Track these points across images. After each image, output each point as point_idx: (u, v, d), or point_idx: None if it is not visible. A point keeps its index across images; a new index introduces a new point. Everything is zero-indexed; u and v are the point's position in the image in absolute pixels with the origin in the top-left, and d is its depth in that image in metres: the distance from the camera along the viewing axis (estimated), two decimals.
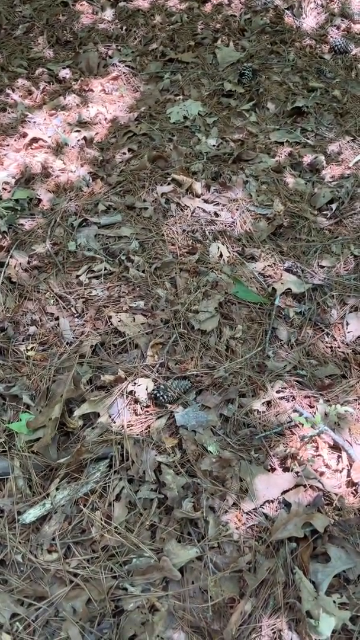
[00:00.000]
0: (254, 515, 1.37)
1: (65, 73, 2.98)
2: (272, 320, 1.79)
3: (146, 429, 1.51)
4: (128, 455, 1.44)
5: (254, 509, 1.38)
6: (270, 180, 2.38)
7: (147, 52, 3.16)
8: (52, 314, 1.80)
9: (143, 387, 1.57)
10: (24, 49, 3.17)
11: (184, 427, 1.50)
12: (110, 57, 3.11)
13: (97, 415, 1.53)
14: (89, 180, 2.34)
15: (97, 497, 1.42)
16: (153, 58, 3.13)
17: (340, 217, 2.21)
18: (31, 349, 1.68)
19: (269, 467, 1.44)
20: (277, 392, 1.61)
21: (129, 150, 2.46)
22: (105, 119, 2.72)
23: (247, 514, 1.37)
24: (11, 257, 1.94)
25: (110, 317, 1.75)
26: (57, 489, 1.41)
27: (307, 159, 2.52)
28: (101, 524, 1.36)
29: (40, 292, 1.87)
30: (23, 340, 1.72)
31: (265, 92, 2.88)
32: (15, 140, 2.54)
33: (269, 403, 1.59)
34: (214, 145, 2.55)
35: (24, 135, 2.58)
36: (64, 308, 1.82)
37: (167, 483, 1.43)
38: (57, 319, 1.77)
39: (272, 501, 1.39)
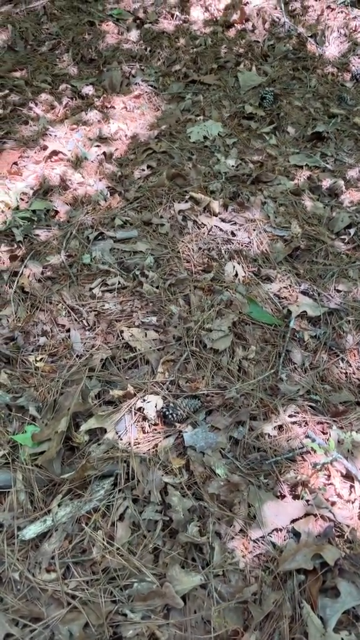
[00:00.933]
0: (262, 543, 1.32)
1: (88, 90, 3.00)
2: (286, 343, 1.75)
3: (153, 447, 1.47)
4: (134, 474, 1.40)
5: (261, 537, 1.33)
6: (288, 203, 2.37)
7: (170, 72, 3.19)
8: (63, 326, 1.77)
9: (152, 404, 1.54)
10: (49, 65, 3.21)
11: (192, 447, 1.46)
12: (134, 76, 3.14)
13: (104, 431, 1.49)
14: (107, 194, 2.34)
15: (100, 515, 1.37)
16: (175, 79, 3.15)
17: (359, 242, 2.18)
18: (40, 359, 1.65)
19: (279, 494, 1.40)
20: (290, 416, 1.57)
21: (148, 167, 2.47)
22: (126, 135, 2.75)
23: (254, 541, 1.32)
24: (25, 266, 1.93)
25: (121, 332, 1.73)
26: (59, 505, 1.37)
27: (326, 183, 2.51)
28: (103, 545, 1.31)
29: (52, 303, 1.84)
30: (32, 351, 1.69)
31: (286, 116, 2.89)
32: (35, 152, 2.54)
33: (280, 427, 1.54)
34: (233, 166, 2.56)
35: (44, 147, 2.58)
36: (76, 320, 1.79)
37: (172, 505, 1.38)
38: (68, 330, 1.75)
39: (281, 530, 1.34)
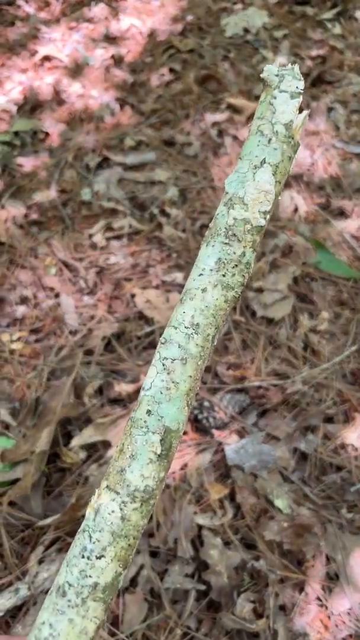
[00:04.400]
0: (350, 619, 1.00)
1: None
2: None
3: (181, 469, 1.16)
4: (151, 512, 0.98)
5: (349, 610, 1.02)
6: None
7: None
8: (51, 289, 1.49)
9: None
10: None
11: (238, 467, 1.17)
12: None
13: (107, 445, 1.18)
14: (115, 108, 2.03)
15: None
16: None
17: None
18: (18, 339, 1.36)
19: None
20: None
21: (170, 70, 2.18)
22: (141, 33, 2.40)
23: (338, 616, 1.00)
24: (2, 207, 1.66)
25: (133, 296, 1.45)
26: (40, 562, 1.03)
27: None
28: (105, 629, 0.95)
29: (38, 257, 1.56)
30: (8, 326, 1.41)
31: None
32: (22, 59, 2.18)
33: None
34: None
35: (34, 52, 2.21)
36: (70, 281, 1.49)
37: (211, 563, 1.03)
38: (57, 296, 1.46)
39: None
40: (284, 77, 0.40)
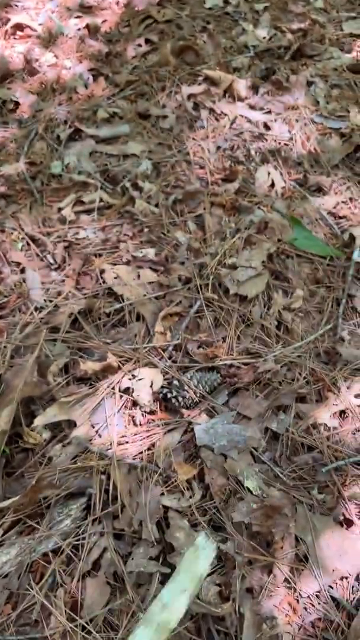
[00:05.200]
0: (319, 602, 0.99)
1: None
2: (348, 284, 1.45)
3: (149, 449, 1.15)
4: (117, 492, 1.05)
5: (317, 592, 1.00)
6: (344, 83, 2.01)
7: None
8: (17, 264, 1.45)
9: (146, 382, 1.22)
10: None
11: (208, 447, 1.16)
12: None
13: (72, 424, 1.15)
14: (89, 79, 1.99)
15: (63, 562, 0.98)
16: None
17: None
18: None
19: (342, 519, 1.09)
20: (356, 396, 1.25)
21: (147, 41, 2.17)
22: (117, 2, 2.40)
23: (307, 599, 1.00)
24: None
25: (102, 272, 1.42)
26: None
27: None
28: (64, 614, 0.93)
29: (4, 231, 1.52)
30: None
31: None
32: None
33: (342, 413, 1.24)
34: (264, 37, 2.21)
35: (6, 21, 2.18)
36: (37, 255, 1.45)
37: (177, 546, 0.99)
38: (23, 271, 1.42)
39: (348, 577, 1.03)
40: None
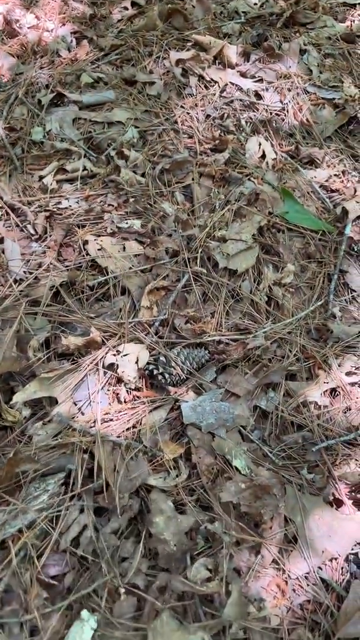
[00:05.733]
0: (308, 584, 0.98)
1: None
2: (340, 259, 1.42)
3: (134, 427, 1.12)
4: (100, 470, 1.02)
5: (306, 574, 0.99)
6: (337, 53, 1.95)
7: None
8: None
9: (132, 358, 1.18)
10: None
11: (195, 426, 1.14)
12: None
13: (54, 401, 1.12)
14: (72, 42, 1.89)
15: (37, 538, 0.95)
16: None
17: None
18: None
19: (332, 499, 1.08)
20: (348, 374, 1.24)
21: (133, 4, 2.07)
22: None
23: (296, 581, 0.98)
24: None
25: (86, 243, 1.37)
26: None
27: None
28: (37, 593, 0.92)
29: None
30: None
31: None
32: None
33: (333, 392, 1.22)
34: (255, 4, 2.13)
35: None
36: (17, 226, 1.38)
37: (154, 533, 0.97)
38: (2, 241, 1.36)
39: (337, 558, 1.01)
40: None
